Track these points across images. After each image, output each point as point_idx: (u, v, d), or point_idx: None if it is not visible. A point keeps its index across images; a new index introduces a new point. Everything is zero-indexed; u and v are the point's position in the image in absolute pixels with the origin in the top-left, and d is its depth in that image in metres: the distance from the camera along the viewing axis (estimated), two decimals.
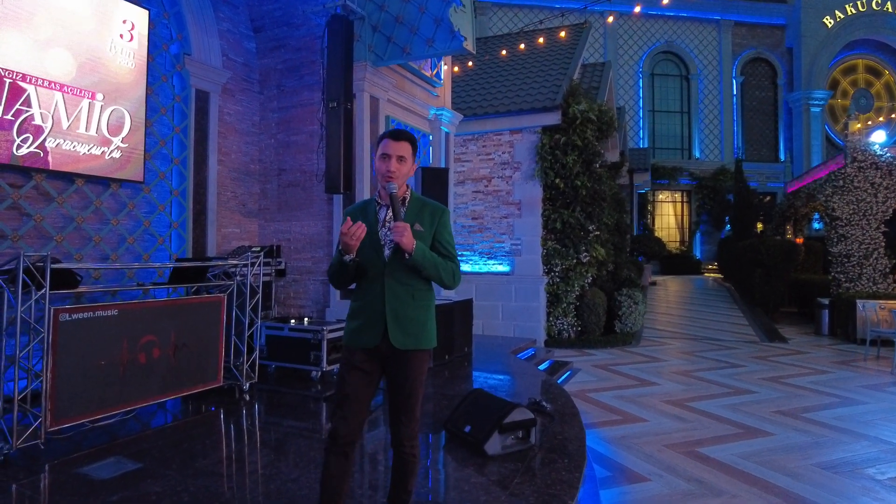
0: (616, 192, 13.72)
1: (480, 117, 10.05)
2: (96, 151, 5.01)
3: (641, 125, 24.25)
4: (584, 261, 9.79)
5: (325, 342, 5.45)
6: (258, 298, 5.07)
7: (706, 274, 21.47)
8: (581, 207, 9.67)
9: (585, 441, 3.70)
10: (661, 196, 24.37)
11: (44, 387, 3.52)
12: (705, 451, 4.53)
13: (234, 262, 4.98)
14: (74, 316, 3.69)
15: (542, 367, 7.44)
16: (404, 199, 2.35)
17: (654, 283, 17.08)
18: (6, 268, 3.41)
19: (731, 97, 25.09)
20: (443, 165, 8.03)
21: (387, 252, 2.29)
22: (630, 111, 23.60)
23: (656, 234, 23.03)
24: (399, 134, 2.32)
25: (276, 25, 6.93)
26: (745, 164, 23.42)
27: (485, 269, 10.19)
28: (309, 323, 5.81)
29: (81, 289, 4.14)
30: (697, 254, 23.70)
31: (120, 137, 5.19)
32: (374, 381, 2.33)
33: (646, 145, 23.72)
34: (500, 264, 10.10)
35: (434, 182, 6.26)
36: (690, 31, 24.84)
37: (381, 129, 6.65)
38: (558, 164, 9.54)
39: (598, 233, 9.91)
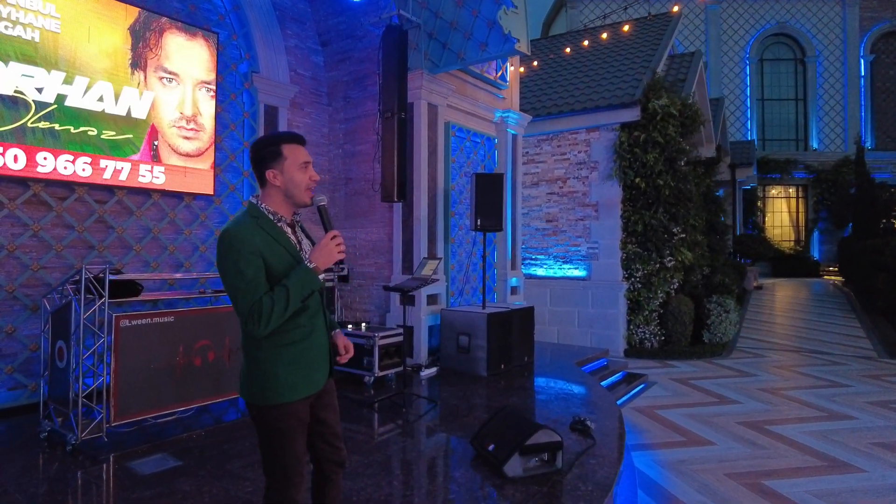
0: (710, 190, 12.75)
1: (555, 116, 9.76)
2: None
3: (748, 116, 22.32)
4: (669, 265, 9.18)
5: (377, 348, 5.54)
6: None
7: (825, 277, 19.37)
8: (664, 208, 9.08)
9: (618, 469, 3.45)
10: (772, 192, 22.29)
11: (105, 386, 3.89)
12: (773, 485, 4.06)
13: None
14: (134, 322, 4.03)
15: (612, 379, 7.10)
16: (298, 219, 2.15)
17: (759, 288, 15.67)
18: (75, 279, 3.81)
19: (857, 79, 22.36)
20: (509, 169, 7.89)
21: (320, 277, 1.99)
22: (735, 101, 21.82)
23: (767, 233, 21.11)
24: (303, 138, 2.09)
25: (341, 38, 7.16)
26: (877, 153, 20.90)
27: (560, 273, 9.89)
28: (366, 328, 5.94)
29: (145, 296, 4.52)
30: (815, 254, 21.42)
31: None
32: None
33: (754, 137, 21.81)
34: (575, 269, 9.75)
35: (488, 189, 6.15)
36: (807, 9, 22.45)
37: (441, 136, 6.66)
38: (638, 163, 9.02)
39: (683, 235, 9.25)
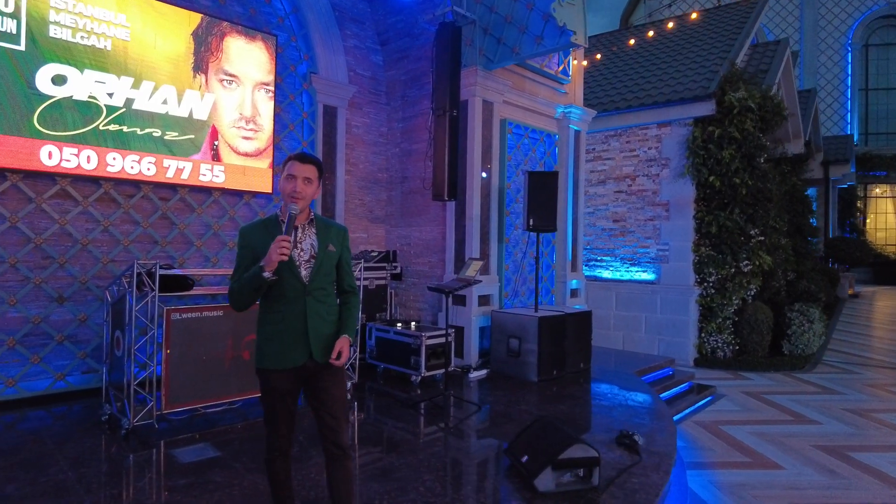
0: (797, 189, 11.76)
1: (624, 111, 9.32)
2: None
3: (849, 108, 20.41)
4: (746, 270, 8.54)
5: (424, 348, 5.50)
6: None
7: None
8: (741, 209, 8.45)
9: (661, 491, 3.19)
10: (875, 190, 20.27)
11: (153, 375, 4.08)
12: None
13: None
14: (184, 315, 4.20)
15: (675, 390, 6.68)
16: (311, 220, 2.47)
17: (855, 296, 14.31)
18: (128, 273, 4.01)
19: None
20: (571, 166, 7.61)
21: (304, 272, 2.38)
22: (833, 92, 20.03)
23: (868, 236, 19.24)
24: (305, 157, 2.40)
25: (399, 37, 7.17)
26: None
27: (626, 276, 9.45)
28: (416, 328, 5.91)
29: (200, 290, 4.71)
30: None
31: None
32: (296, 399, 2.47)
33: (854, 131, 19.92)
34: (644, 272, 9.28)
35: (542, 188, 5.93)
36: None
37: (496, 134, 6.51)
38: (712, 160, 8.45)
39: (762, 238, 8.57)
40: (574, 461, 3.15)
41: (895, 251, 19.58)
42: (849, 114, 20.42)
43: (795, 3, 20.41)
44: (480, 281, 5.14)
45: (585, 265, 9.87)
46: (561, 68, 7.37)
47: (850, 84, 20.46)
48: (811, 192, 16.37)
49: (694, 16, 7.69)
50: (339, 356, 2.37)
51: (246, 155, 5.82)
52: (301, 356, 2.37)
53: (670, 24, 9.56)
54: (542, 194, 5.93)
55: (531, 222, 5.93)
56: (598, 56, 8.91)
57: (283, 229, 2.29)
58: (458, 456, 3.87)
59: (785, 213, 9.81)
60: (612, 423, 4.46)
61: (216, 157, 5.60)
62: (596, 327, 9.53)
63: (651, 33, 9.20)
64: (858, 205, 19.71)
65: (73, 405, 4.70)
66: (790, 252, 11.07)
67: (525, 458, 3.33)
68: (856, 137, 20.18)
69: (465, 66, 6.19)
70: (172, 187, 5.42)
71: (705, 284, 8.70)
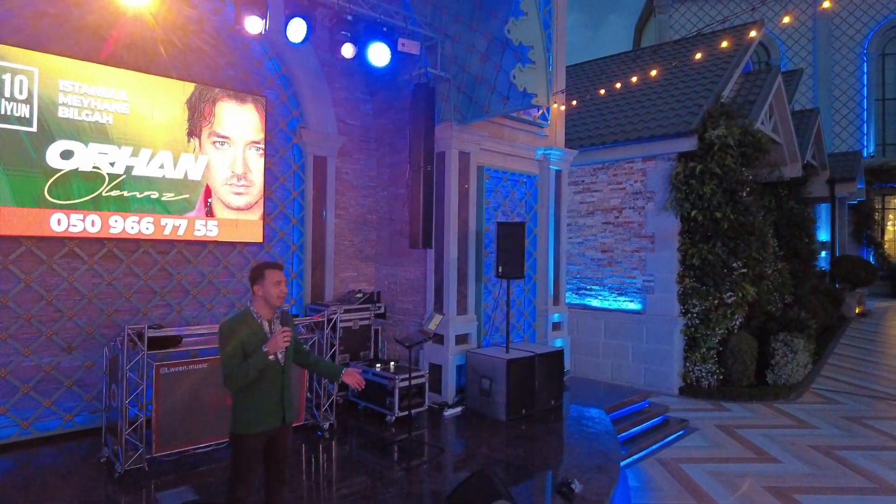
0: (794, 212, 11.82)
1: (611, 145, 9.61)
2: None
3: (864, 118, 20.11)
4: (729, 301, 8.74)
5: (398, 390, 5.93)
6: (336, 348, 5.78)
7: None
8: (722, 242, 8.66)
9: None
10: (894, 202, 19.92)
11: (147, 422, 4.60)
12: None
13: (314, 318, 5.73)
14: (172, 369, 4.73)
15: (647, 425, 6.96)
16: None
17: (863, 314, 14.21)
18: (121, 335, 4.55)
19: None
20: (552, 205, 7.95)
21: (281, 357, 3.09)
22: (849, 103, 19.73)
23: (885, 247, 18.92)
24: (279, 265, 3.16)
25: (385, 89, 7.63)
26: None
27: (615, 305, 9.72)
28: (394, 368, 6.35)
29: (188, 346, 5.23)
30: None
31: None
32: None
33: (872, 141, 19.63)
34: (630, 301, 9.54)
35: (509, 237, 6.31)
36: None
37: (474, 180, 6.91)
38: (694, 195, 8.67)
39: (745, 270, 8.75)
40: None
41: None
42: (864, 125, 20.13)
43: (808, 14, 20.22)
44: (440, 335, 5.55)
45: (576, 293, 10.18)
46: (540, 114, 7.72)
47: (865, 95, 20.17)
48: (825, 207, 16.27)
49: (699, 56, 7.56)
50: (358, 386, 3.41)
51: (238, 209, 6.35)
52: (277, 420, 3.08)
53: (675, 62, 9.79)
54: (510, 243, 6.31)
55: (500, 270, 6.31)
56: (574, 102, 9.20)
57: (279, 324, 3.07)
58: (409, 502, 4.28)
59: (773, 240, 9.93)
60: (562, 466, 4.81)
61: (210, 214, 6.14)
62: (586, 355, 9.87)
63: (654, 72, 9.38)
64: (875, 217, 19.40)
65: (82, 442, 5.26)
66: (787, 276, 11.17)
67: None
68: (872, 148, 19.91)
69: (441, 121, 6.61)
70: (170, 242, 5.97)
71: (689, 315, 8.92)
